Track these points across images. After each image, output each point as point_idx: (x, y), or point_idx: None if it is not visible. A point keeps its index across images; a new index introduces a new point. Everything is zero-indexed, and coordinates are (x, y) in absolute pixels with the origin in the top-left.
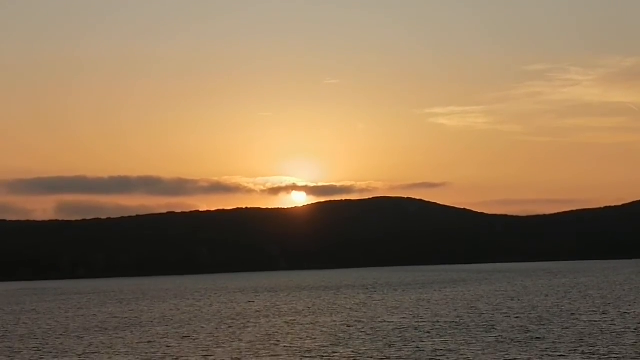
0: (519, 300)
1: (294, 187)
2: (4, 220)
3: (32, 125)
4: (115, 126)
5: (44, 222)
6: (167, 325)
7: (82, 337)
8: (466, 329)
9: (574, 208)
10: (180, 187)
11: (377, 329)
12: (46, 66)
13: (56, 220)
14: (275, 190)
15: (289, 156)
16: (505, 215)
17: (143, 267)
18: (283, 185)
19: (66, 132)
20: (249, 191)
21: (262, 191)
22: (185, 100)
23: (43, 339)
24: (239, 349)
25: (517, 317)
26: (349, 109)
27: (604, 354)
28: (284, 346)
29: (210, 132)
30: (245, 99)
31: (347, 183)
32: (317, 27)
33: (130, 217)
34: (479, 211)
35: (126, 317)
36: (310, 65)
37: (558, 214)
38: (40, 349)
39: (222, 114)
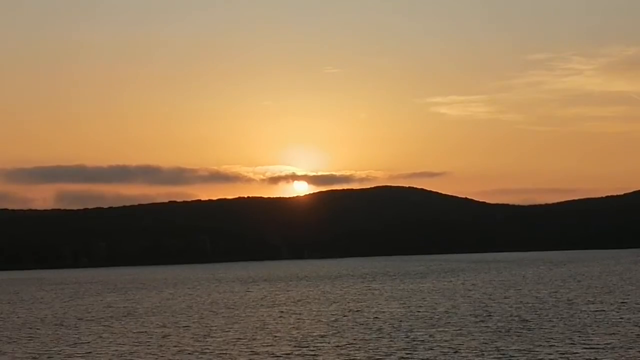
0: (516, 289)
1: (294, 177)
2: (6, 209)
3: (31, 114)
4: (114, 115)
5: (46, 211)
6: (162, 315)
7: (76, 327)
8: (461, 318)
9: (575, 197)
10: (179, 176)
11: (373, 319)
12: (45, 54)
13: (58, 210)
14: (275, 180)
15: (289, 145)
16: (506, 205)
17: (145, 257)
18: (283, 174)
19: (65, 121)
20: (249, 180)
21: (262, 180)
22: (185, 89)
23: (37, 328)
24: (232, 339)
25: (512, 307)
26: (350, 98)
27: (598, 344)
28: (277, 336)
29: (210, 121)
30: (245, 88)
31: (347, 172)
32: (318, 16)
33: (132, 206)
34: (480, 200)
35: (122, 307)
36: (311, 54)
37: (559, 203)
38: (33, 338)
39: (222, 103)
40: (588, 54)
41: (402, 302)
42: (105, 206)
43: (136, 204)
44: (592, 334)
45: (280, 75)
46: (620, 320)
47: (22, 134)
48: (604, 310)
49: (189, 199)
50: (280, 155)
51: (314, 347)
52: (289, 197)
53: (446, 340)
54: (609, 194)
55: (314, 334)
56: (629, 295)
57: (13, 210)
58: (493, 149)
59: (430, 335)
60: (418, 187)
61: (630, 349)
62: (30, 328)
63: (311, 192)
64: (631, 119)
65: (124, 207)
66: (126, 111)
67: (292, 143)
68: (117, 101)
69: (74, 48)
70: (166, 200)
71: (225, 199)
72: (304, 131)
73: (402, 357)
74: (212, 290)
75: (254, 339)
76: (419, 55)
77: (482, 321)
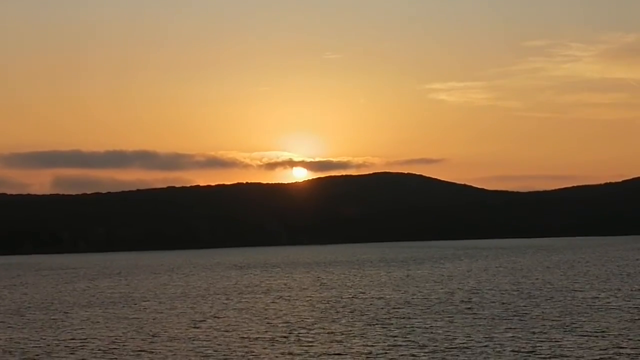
0: (512, 276)
1: (291, 163)
2: (4, 194)
3: (26, 99)
4: (109, 100)
5: (44, 196)
6: (156, 301)
7: (69, 312)
8: (456, 305)
9: (574, 184)
10: (176, 161)
11: (367, 305)
12: (42, 41)
13: (57, 194)
14: (271, 166)
15: (287, 131)
16: (505, 191)
17: (144, 242)
18: (280, 160)
19: (60, 106)
20: (246, 166)
21: (259, 166)
22: (181, 73)
23: (30, 313)
24: (225, 325)
25: (508, 294)
26: (349, 84)
27: (592, 331)
28: (271, 322)
29: (206, 106)
30: (243, 73)
31: (344, 158)
32: (318, 1)
33: (130, 191)
34: (479, 187)
35: (117, 292)
36: (310, 39)
37: (558, 190)
38: (26, 323)
39: (219, 88)
40: (587, 40)
41: (397, 288)
42: (104, 191)
43: (134, 189)
44: (587, 320)
45: (279, 60)
46: (614, 307)
47: (18, 119)
48: (598, 297)
49: (187, 185)
50: (278, 141)
51: (307, 333)
52: (288, 183)
53: (440, 327)
54: (608, 181)
55: (308, 320)
56: (624, 282)
57: (11, 195)
58: (492, 136)
59: (424, 322)
60: (416, 173)
61: (624, 336)
62: (23, 313)
63: (309, 178)
64: (630, 106)
65: (123, 192)
66: (122, 96)
67: (290, 129)
68: (113, 86)
69: (71, 34)
70: (164, 186)
71: (223, 185)
72: (301, 117)
73: (396, 344)
74: (208, 276)
75: (247, 325)
76: (418, 42)
77: (477, 308)
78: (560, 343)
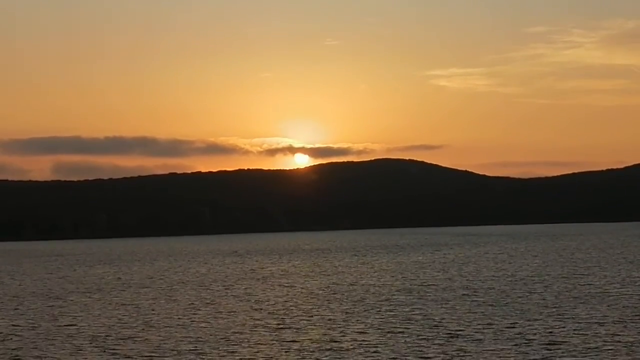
0: (510, 263)
1: (291, 149)
2: (5, 180)
3: (26, 84)
4: (110, 85)
5: (45, 182)
6: (153, 288)
7: (65, 299)
8: (453, 292)
9: (575, 170)
10: (176, 147)
11: (364, 292)
12: (42, 27)
13: (57, 181)
14: (272, 152)
15: (287, 117)
16: (506, 178)
17: (145, 228)
18: (280, 146)
19: (60, 92)
20: (246, 152)
21: (259, 152)
22: (181, 59)
23: (26, 300)
24: (220, 311)
25: (505, 280)
26: (350, 70)
27: (587, 318)
28: (266, 309)
29: (207, 92)
30: (244, 59)
31: (345, 145)
32: None
33: (132, 177)
34: (480, 173)
35: (114, 279)
36: (311, 26)
37: (559, 176)
38: (21, 310)
39: (220, 75)
40: (588, 26)
41: (396, 275)
42: (105, 177)
43: (136, 175)
44: (586, 308)
45: (280, 47)
46: (614, 294)
47: (17, 105)
48: (598, 284)
49: (189, 171)
50: (277, 127)
51: (305, 320)
52: (289, 170)
53: (439, 314)
54: (610, 167)
55: (306, 307)
56: (624, 269)
57: (12, 181)
58: (493, 122)
59: (423, 309)
60: (417, 159)
61: (622, 323)
62: (23, 300)
63: (310, 164)
64: (631, 92)
65: (125, 178)
66: (122, 82)
67: (290, 115)
68: (113, 72)
69: (72, 22)
70: (165, 172)
71: (225, 171)
72: (302, 103)
73: (394, 331)
74: (206, 263)
75: (245, 312)
76: (419, 28)
77: (476, 294)
78: (558, 330)
